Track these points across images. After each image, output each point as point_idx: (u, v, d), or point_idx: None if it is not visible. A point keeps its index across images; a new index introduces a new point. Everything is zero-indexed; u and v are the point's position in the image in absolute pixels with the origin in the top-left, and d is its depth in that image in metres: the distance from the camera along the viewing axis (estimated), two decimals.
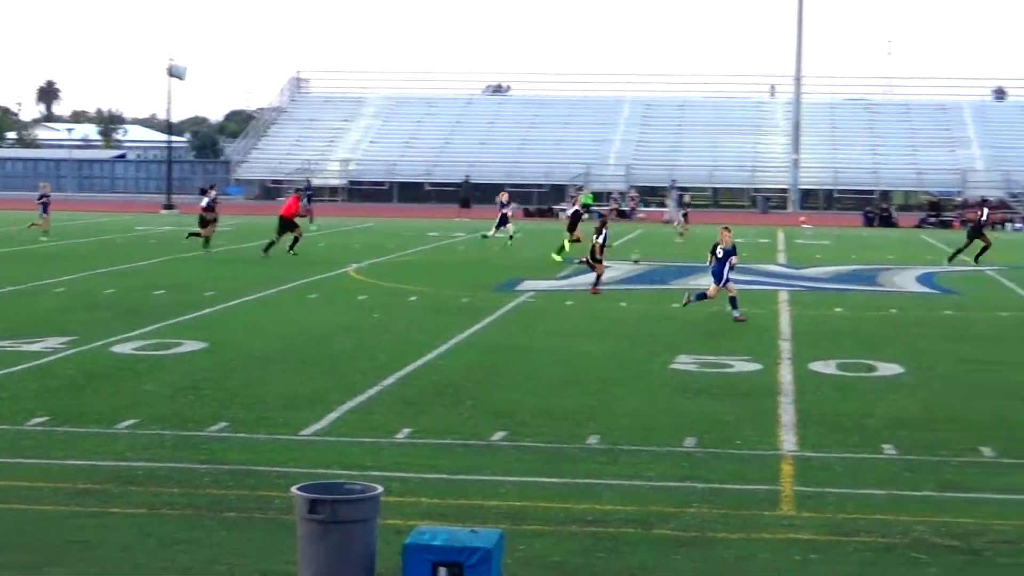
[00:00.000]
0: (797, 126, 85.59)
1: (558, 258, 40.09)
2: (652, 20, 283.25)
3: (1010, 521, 12.32)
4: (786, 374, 20.49)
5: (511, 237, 48.16)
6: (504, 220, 48.69)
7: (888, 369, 21.09)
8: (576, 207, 44.41)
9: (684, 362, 21.38)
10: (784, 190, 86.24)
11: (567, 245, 40.84)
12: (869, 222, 70.33)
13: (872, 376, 20.52)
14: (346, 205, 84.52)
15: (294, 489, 9.77)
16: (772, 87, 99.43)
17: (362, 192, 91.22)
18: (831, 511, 12.61)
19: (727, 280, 27.10)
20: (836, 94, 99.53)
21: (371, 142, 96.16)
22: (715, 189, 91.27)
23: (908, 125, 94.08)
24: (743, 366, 21.15)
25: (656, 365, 21.12)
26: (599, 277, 31.95)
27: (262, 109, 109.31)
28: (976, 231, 42.96)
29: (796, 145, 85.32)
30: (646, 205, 78.52)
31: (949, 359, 22.27)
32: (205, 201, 44.16)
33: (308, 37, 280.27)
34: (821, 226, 66.55)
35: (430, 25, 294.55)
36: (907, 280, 37.15)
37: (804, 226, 66.09)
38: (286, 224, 41.80)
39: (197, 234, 43.78)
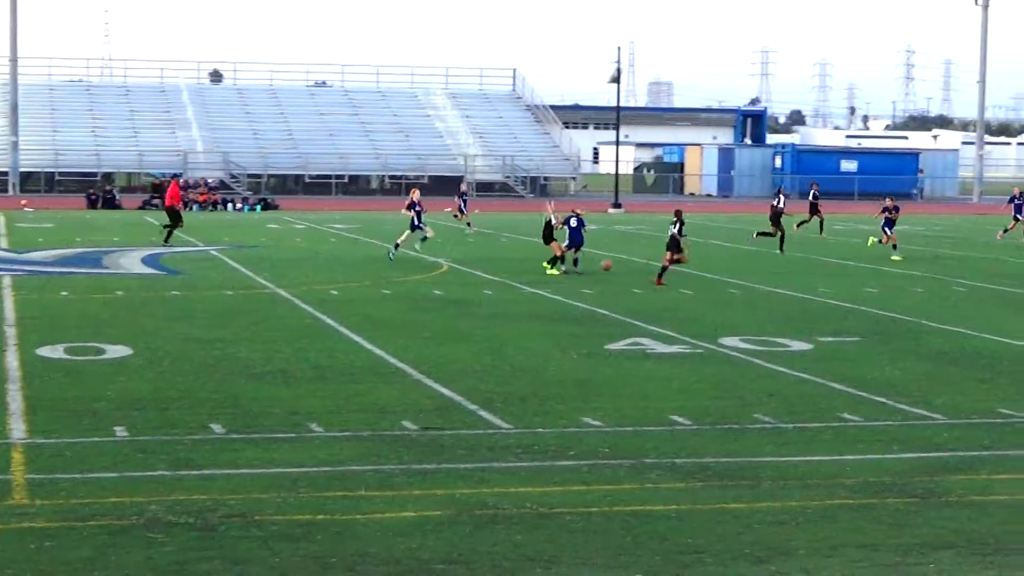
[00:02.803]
0: (15, 108, 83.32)
1: None
2: None
3: (240, 495, 12.65)
4: (12, 361, 19.96)
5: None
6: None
7: (117, 351, 21.04)
8: None
9: None
10: (4, 173, 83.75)
11: None
12: (93, 204, 69.71)
13: (101, 359, 20.41)
14: None
15: None
16: None
17: None
18: (64, 497, 12.44)
19: None
20: (55, 76, 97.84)
21: None
22: None
23: (129, 107, 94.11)
24: None
25: None
26: None
27: None
28: (775, 218, 45.34)
29: (15, 128, 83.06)
30: None
31: (177, 339, 22.52)
32: None
33: None
34: (44, 209, 65.32)
35: None
36: (133, 262, 37.18)
37: (26, 209, 64.64)
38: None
39: None
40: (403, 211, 40.86)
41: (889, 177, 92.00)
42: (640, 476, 13.70)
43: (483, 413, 16.73)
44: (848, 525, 12.02)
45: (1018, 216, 50.66)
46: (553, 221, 35.21)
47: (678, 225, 32.98)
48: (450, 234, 50.02)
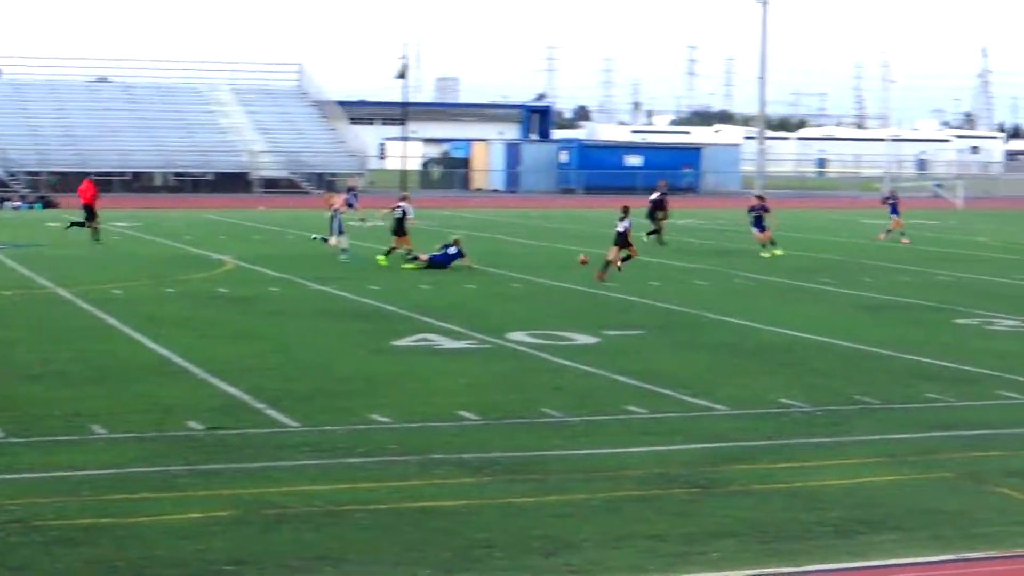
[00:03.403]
0: None
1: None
2: None
3: (19, 500, 12.33)
4: None
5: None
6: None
7: None
8: None
9: None
10: None
11: None
12: None
13: None
14: None
15: None
16: None
17: None
18: None
19: None
20: None
21: None
22: None
23: None
24: None
25: None
26: None
27: None
28: (652, 212, 45.99)
29: None
30: None
31: None
32: None
33: None
34: None
35: None
36: None
37: None
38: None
39: None
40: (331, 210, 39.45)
41: (673, 172, 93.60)
42: (428, 472, 13.72)
43: (270, 411, 16.58)
44: (634, 516, 12.19)
45: (894, 215, 49.66)
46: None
47: (626, 220, 33.20)
48: (239, 231, 49.47)
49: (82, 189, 45.72)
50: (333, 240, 38.36)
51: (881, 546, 11.36)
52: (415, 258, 35.57)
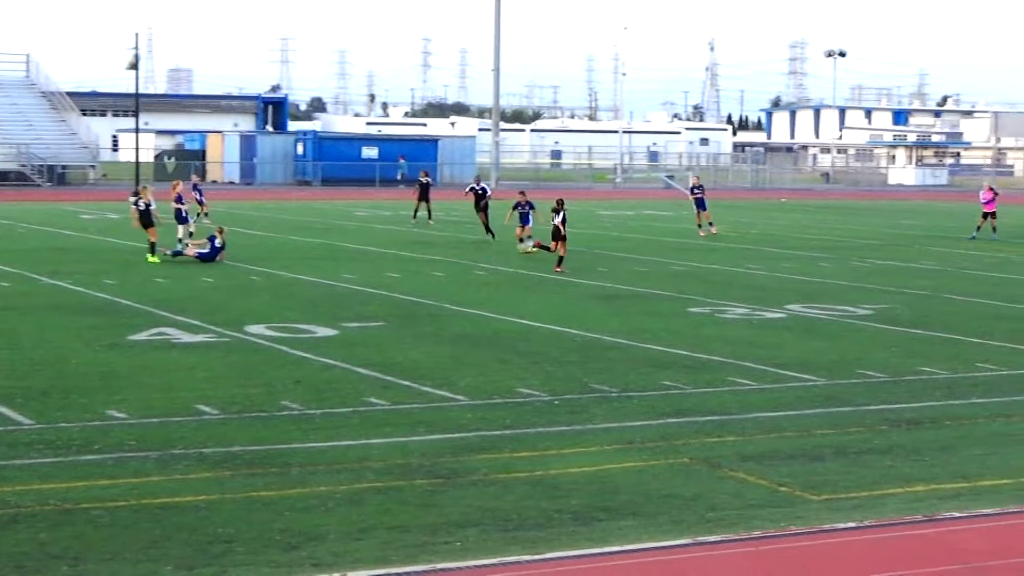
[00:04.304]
0: None
1: None
2: None
3: None
4: None
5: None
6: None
7: None
8: None
9: None
10: None
11: None
12: None
13: None
14: None
15: None
16: None
17: None
18: None
19: None
20: None
21: None
22: None
23: None
24: None
25: None
26: None
27: None
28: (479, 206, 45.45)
29: None
30: None
31: None
32: None
33: None
34: None
35: None
36: None
37: None
38: None
39: None
40: (174, 204, 37.97)
41: (409, 164, 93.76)
42: (168, 467, 13.51)
43: (1, 409, 16.10)
44: (377, 508, 12.21)
45: (702, 209, 48.45)
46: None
47: (562, 214, 33.84)
48: None
49: None
50: (181, 231, 37.59)
51: (621, 532, 11.60)
52: (156, 250, 34.81)
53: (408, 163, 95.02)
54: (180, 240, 36.76)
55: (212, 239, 35.20)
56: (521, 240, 39.83)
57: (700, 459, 14.34)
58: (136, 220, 35.47)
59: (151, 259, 34.55)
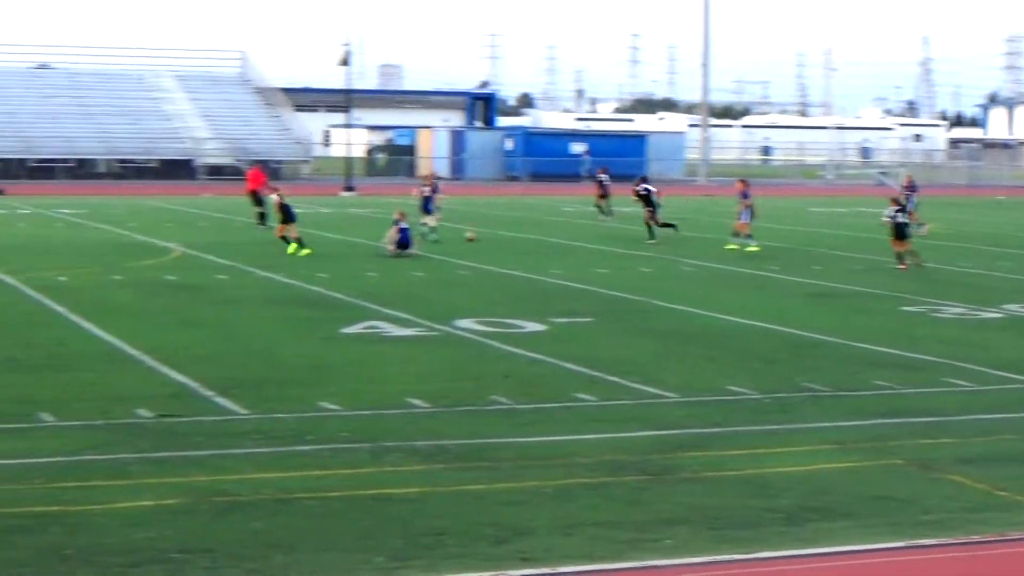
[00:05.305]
0: None
1: None
2: None
3: None
4: None
5: None
6: None
7: None
8: None
9: None
10: None
11: None
12: None
13: None
14: None
15: None
16: None
17: None
18: None
19: None
20: None
21: None
22: None
23: None
24: None
25: None
26: None
27: None
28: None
29: None
30: None
31: None
32: None
33: None
34: None
35: None
36: None
37: None
38: None
39: None
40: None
41: (617, 159, 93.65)
42: (380, 460, 13.70)
43: (219, 399, 16.51)
44: (585, 503, 12.22)
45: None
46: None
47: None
48: (185, 219, 49.19)
49: (251, 175, 46.38)
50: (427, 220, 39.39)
51: (832, 533, 11.43)
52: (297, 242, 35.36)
53: (593, 158, 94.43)
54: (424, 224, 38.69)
55: (397, 223, 35.43)
56: (736, 235, 39.16)
57: (914, 461, 14.06)
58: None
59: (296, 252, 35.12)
